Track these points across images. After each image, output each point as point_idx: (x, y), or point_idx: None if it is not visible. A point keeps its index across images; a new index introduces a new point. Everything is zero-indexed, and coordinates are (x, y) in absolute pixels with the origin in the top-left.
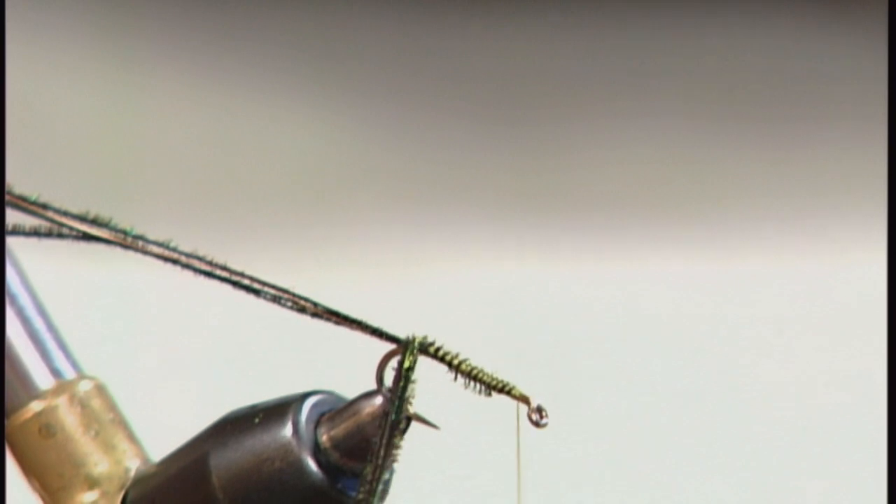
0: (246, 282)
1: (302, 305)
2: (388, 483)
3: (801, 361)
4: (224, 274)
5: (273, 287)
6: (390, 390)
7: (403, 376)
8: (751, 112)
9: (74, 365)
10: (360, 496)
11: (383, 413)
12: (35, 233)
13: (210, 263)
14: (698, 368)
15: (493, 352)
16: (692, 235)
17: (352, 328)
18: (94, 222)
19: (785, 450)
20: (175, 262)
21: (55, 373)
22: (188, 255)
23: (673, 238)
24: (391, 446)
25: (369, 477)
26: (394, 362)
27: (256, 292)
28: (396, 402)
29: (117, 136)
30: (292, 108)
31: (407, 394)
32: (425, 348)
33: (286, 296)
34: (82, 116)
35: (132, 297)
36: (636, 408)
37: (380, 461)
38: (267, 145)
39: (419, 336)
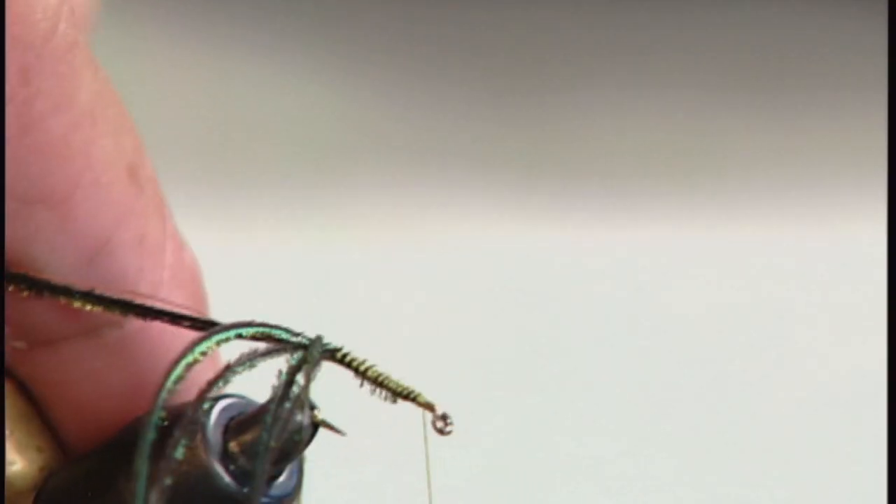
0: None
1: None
2: (294, 489)
3: (804, 330)
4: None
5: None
6: (293, 393)
7: (299, 379)
8: (757, 82)
9: None
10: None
11: (276, 416)
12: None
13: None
14: (701, 336)
15: (495, 316)
16: (696, 204)
17: (258, 332)
18: None
19: (784, 420)
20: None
21: None
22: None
23: (677, 206)
24: (274, 448)
25: (255, 477)
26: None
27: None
28: (284, 404)
29: (124, 96)
30: (294, 71)
31: (303, 397)
32: (332, 353)
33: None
34: None
35: None
36: (634, 377)
37: (264, 462)
38: (267, 107)
39: (324, 340)
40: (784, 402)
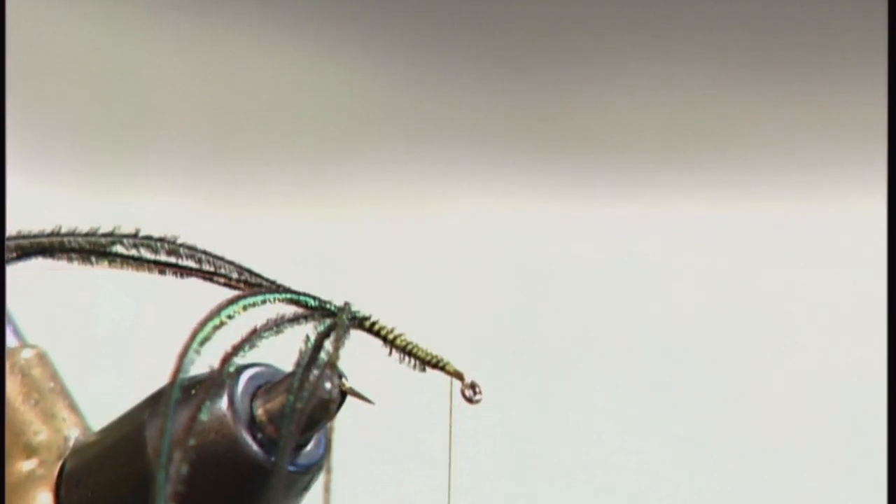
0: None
1: (237, 280)
2: (321, 458)
3: (807, 302)
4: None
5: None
6: (328, 363)
7: (327, 345)
8: (761, 57)
9: (17, 333)
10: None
11: (307, 380)
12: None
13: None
14: (706, 309)
15: (504, 287)
16: (701, 179)
17: (286, 298)
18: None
19: (787, 398)
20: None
21: None
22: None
23: (682, 181)
24: (301, 414)
25: (282, 443)
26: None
27: (190, 270)
28: (308, 370)
29: (131, 74)
30: (307, 47)
31: (333, 363)
32: (360, 321)
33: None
34: (88, 52)
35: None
36: (637, 346)
37: (291, 425)
38: (281, 84)
39: (352, 308)
40: (786, 381)
